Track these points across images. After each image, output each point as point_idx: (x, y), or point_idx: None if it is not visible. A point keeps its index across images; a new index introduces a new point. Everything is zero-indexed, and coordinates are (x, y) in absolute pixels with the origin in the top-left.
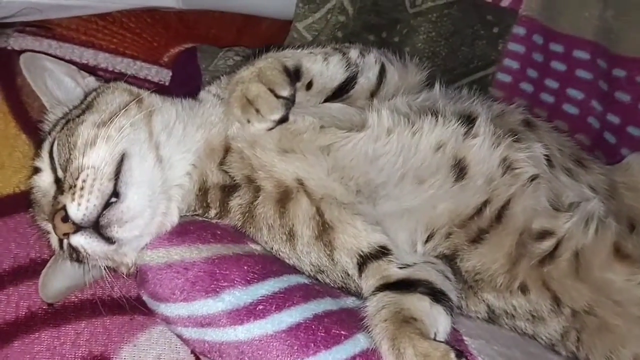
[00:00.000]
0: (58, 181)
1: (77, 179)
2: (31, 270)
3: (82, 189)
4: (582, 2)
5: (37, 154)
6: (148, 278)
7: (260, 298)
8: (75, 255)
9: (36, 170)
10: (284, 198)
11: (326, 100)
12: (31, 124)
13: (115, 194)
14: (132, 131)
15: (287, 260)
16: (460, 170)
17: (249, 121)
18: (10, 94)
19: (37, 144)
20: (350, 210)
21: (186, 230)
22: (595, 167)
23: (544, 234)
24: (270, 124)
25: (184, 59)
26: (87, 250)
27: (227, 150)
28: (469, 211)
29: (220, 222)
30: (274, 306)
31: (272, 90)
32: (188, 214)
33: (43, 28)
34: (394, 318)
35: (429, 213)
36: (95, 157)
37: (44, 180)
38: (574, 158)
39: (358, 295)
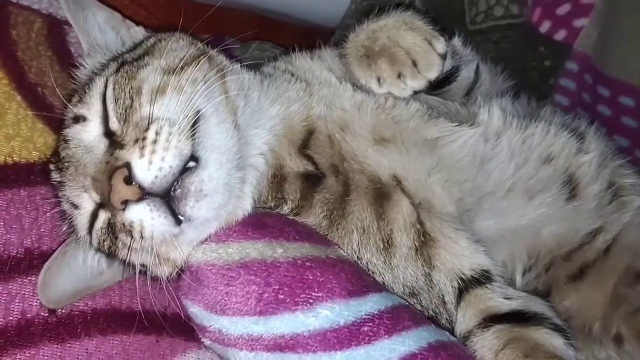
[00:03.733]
0: (110, 134)
1: (146, 130)
2: (26, 263)
3: (154, 142)
4: (634, 47)
5: (79, 100)
6: (208, 281)
7: (364, 317)
8: (111, 240)
9: (76, 120)
10: (380, 196)
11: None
12: (27, 85)
13: (194, 157)
14: (206, 87)
15: (377, 277)
16: (572, 188)
17: (400, 76)
18: (2, 47)
19: (37, 107)
20: (452, 222)
21: (263, 222)
22: None
23: None
24: (423, 84)
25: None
26: (144, 231)
27: (310, 132)
28: (578, 239)
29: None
30: (382, 329)
31: (429, 42)
32: (258, 206)
33: None
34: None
35: (533, 237)
36: (168, 108)
37: (90, 132)
38: None
39: (447, 329)
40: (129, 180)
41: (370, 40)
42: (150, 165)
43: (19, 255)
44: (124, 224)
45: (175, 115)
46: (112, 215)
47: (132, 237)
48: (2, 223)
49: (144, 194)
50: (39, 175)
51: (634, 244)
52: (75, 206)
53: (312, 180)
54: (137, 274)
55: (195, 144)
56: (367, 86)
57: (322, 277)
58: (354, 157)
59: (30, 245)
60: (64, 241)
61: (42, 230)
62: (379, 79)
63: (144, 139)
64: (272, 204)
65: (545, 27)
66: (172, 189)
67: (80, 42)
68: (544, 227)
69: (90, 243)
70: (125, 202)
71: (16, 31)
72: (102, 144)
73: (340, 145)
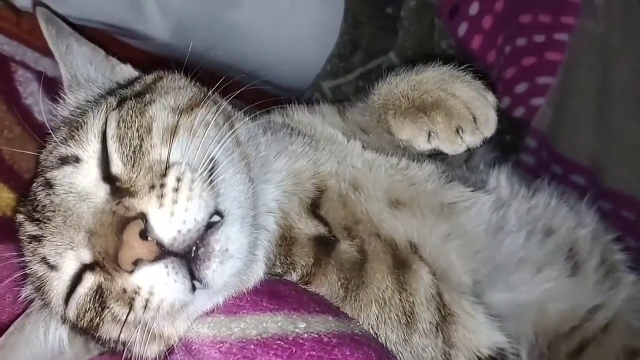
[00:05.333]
0: (112, 179)
1: (164, 175)
2: None
3: (176, 190)
4: (582, 128)
5: (66, 137)
6: None
7: None
8: (95, 312)
9: (64, 161)
10: (400, 264)
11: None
12: None
13: (217, 211)
14: (218, 133)
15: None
16: (574, 263)
17: (459, 130)
18: None
19: None
20: (468, 295)
21: (278, 291)
22: None
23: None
24: (479, 141)
25: None
26: (152, 299)
27: (321, 190)
28: (581, 315)
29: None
30: None
31: (484, 97)
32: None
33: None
34: None
35: (540, 314)
36: (184, 152)
37: (85, 176)
38: None
39: None
40: (144, 234)
41: (417, 92)
42: (172, 218)
43: None
44: (125, 289)
45: (194, 161)
46: (107, 280)
47: (130, 308)
48: None
49: (163, 253)
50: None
51: (629, 322)
52: (52, 267)
53: (325, 245)
54: (120, 353)
55: (217, 195)
56: (408, 142)
57: (352, 358)
58: (369, 220)
59: None
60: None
61: (6, 298)
62: (429, 134)
63: (162, 185)
64: (280, 271)
65: (505, 103)
66: (197, 246)
67: (62, 73)
68: (550, 302)
69: (63, 315)
70: (136, 262)
71: None
72: (101, 191)
73: (354, 206)
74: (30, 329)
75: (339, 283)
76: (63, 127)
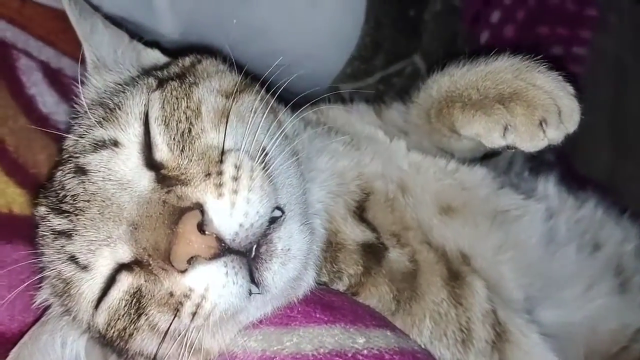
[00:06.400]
0: (156, 166)
1: (220, 162)
2: None
3: (235, 179)
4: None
5: (104, 118)
6: None
7: None
8: (130, 319)
9: (100, 145)
10: (453, 276)
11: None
12: None
13: (278, 206)
14: (265, 121)
15: None
16: (623, 280)
17: (542, 124)
18: None
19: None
20: (522, 312)
21: (330, 302)
22: None
23: None
24: (560, 138)
25: None
26: (204, 304)
27: (367, 193)
28: (629, 335)
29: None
30: None
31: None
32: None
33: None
34: None
35: (591, 333)
36: (238, 138)
37: (126, 162)
38: None
39: None
40: (202, 227)
41: (490, 82)
42: (233, 210)
43: None
44: (172, 293)
45: (251, 149)
46: (149, 281)
47: (176, 314)
48: None
49: (223, 250)
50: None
51: None
52: (83, 267)
53: (374, 252)
54: None
55: (275, 188)
56: (479, 136)
57: None
58: (419, 227)
59: None
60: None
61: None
62: (505, 127)
63: (219, 173)
64: (326, 279)
65: None
66: (259, 244)
67: (85, 53)
68: (601, 322)
69: (90, 323)
70: (191, 260)
71: None
72: (144, 179)
73: (404, 210)
74: (46, 340)
75: (391, 295)
76: (93, 109)
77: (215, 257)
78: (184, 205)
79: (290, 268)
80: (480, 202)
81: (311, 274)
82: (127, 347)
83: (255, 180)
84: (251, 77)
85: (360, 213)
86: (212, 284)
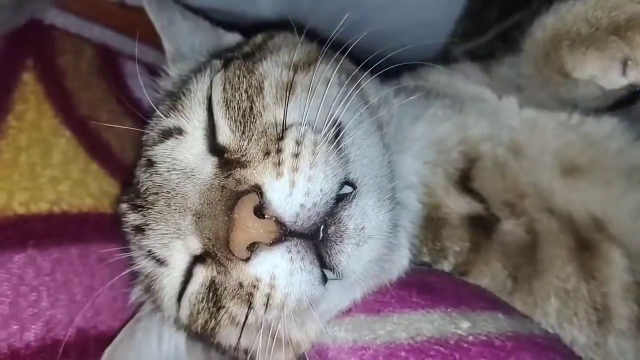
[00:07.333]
0: (220, 150)
1: (280, 139)
2: (78, 350)
3: (295, 156)
4: None
5: (171, 108)
6: None
7: None
8: (210, 312)
9: (166, 135)
10: (582, 247)
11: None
12: (77, 119)
13: (347, 181)
14: (341, 93)
15: None
16: None
17: None
18: (47, 74)
19: (90, 144)
20: None
21: (429, 284)
22: None
23: None
24: None
25: None
26: (274, 293)
27: (472, 159)
28: None
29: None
30: None
31: None
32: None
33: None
34: None
35: None
36: (304, 112)
37: (190, 149)
38: None
39: None
40: (260, 211)
41: (601, 10)
42: (294, 189)
43: (68, 339)
44: (241, 283)
45: (317, 121)
46: (220, 273)
47: (249, 305)
48: (45, 293)
49: (284, 234)
50: (95, 228)
51: None
52: (161, 262)
53: (482, 225)
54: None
55: (346, 162)
56: (594, 78)
57: None
58: (537, 193)
59: (84, 325)
60: (130, 317)
61: (100, 302)
62: (625, 63)
63: (278, 150)
64: (429, 259)
65: None
66: (326, 224)
67: (164, 45)
68: None
69: (176, 317)
70: (252, 247)
71: (63, 58)
72: (208, 165)
73: (516, 176)
74: (142, 337)
75: (505, 272)
76: (165, 99)
77: (276, 242)
78: (241, 189)
79: (366, 249)
80: (612, 157)
81: (404, 253)
82: (216, 340)
83: (318, 155)
84: (336, 48)
85: (464, 183)
86: (278, 272)
